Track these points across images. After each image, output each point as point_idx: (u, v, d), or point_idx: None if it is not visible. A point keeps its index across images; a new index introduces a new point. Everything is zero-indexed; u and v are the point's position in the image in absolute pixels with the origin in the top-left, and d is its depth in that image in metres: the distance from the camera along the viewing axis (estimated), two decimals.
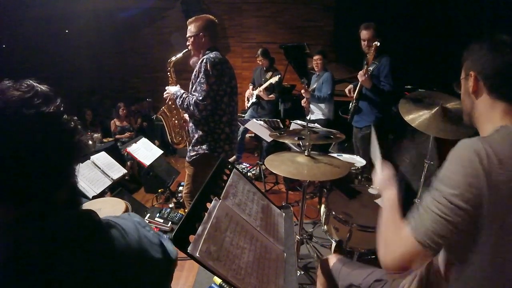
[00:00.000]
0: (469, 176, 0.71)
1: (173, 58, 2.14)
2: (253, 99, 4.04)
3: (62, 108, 0.58)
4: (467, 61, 0.88)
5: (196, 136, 2.02)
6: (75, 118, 0.62)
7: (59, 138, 0.56)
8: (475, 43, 0.86)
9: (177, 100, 1.99)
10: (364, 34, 2.52)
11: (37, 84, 0.57)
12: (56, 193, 0.57)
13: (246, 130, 3.95)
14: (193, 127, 2.04)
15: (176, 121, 2.29)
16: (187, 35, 1.99)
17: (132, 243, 0.64)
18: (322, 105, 3.54)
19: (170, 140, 2.35)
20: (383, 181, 1.07)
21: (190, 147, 2.07)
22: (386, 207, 0.93)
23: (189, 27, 1.98)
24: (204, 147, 2.00)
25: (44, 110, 0.54)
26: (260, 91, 3.89)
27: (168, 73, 2.18)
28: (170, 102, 2.17)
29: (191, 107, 1.89)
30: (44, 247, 0.52)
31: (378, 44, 2.31)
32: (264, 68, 3.99)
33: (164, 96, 2.13)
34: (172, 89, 2.07)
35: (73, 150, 0.59)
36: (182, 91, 2.02)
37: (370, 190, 1.88)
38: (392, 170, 1.11)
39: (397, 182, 1.04)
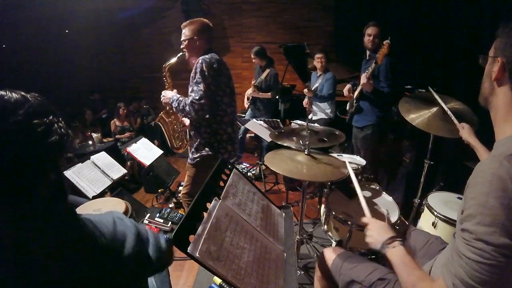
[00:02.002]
0: (506, 208, 0.62)
1: (168, 63, 2.15)
2: (250, 99, 4.04)
3: (31, 113, 0.61)
4: (499, 39, 0.76)
5: (199, 139, 2.01)
6: (51, 117, 0.65)
7: (28, 141, 0.60)
8: None
9: (174, 103, 1.97)
10: (372, 29, 2.52)
11: (8, 93, 0.62)
12: (37, 189, 0.62)
13: (247, 130, 3.94)
14: (195, 130, 2.03)
15: (175, 126, 2.29)
16: (182, 39, 1.98)
17: (104, 237, 0.69)
18: (324, 105, 3.54)
19: (170, 145, 2.34)
20: (380, 235, 0.96)
21: (193, 150, 2.05)
22: (400, 265, 0.83)
23: (183, 31, 1.96)
24: (207, 149, 2.00)
25: (9, 120, 0.58)
26: (252, 90, 3.88)
27: (164, 78, 2.18)
28: (167, 107, 2.17)
29: (187, 107, 1.87)
30: (15, 234, 0.57)
31: (389, 42, 2.29)
32: (261, 67, 3.97)
33: (161, 100, 2.12)
34: (168, 94, 2.06)
35: (45, 150, 0.63)
36: (178, 95, 2.01)
37: (365, 193, 1.88)
38: (388, 225, 0.99)
39: (400, 238, 0.92)
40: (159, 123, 2.29)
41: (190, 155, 2.08)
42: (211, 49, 1.98)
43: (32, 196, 0.61)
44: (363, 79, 2.44)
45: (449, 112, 1.71)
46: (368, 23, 2.56)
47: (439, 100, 1.81)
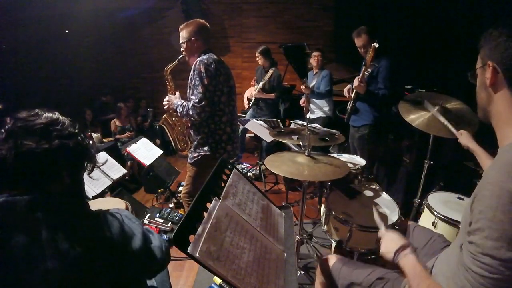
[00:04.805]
0: None
1: (169, 66, 2.16)
2: (252, 99, 4.05)
3: (61, 135, 0.73)
4: (483, 48, 0.77)
5: (198, 138, 2.02)
6: (66, 124, 0.77)
7: (51, 157, 0.71)
8: (494, 29, 0.74)
9: (178, 109, 1.99)
10: (356, 42, 2.50)
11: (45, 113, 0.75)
12: (50, 185, 0.73)
13: (246, 130, 3.95)
14: (195, 130, 2.04)
15: (179, 128, 2.29)
16: (180, 42, 2.00)
17: (113, 230, 0.74)
18: (322, 103, 3.54)
19: (174, 147, 2.34)
20: (392, 246, 0.95)
21: (192, 149, 2.07)
22: (411, 275, 0.84)
23: (181, 34, 1.99)
24: (205, 148, 2.00)
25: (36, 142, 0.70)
26: (257, 91, 3.89)
27: (166, 81, 2.19)
28: (170, 110, 2.17)
29: (190, 111, 1.89)
30: (30, 218, 0.66)
31: (377, 45, 2.28)
32: (264, 68, 3.97)
33: (164, 104, 2.13)
34: (173, 100, 2.08)
35: (62, 163, 0.73)
36: (182, 100, 2.02)
37: (366, 193, 1.88)
38: (400, 234, 1.00)
39: (411, 246, 0.93)
40: (163, 125, 2.29)
41: (190, 155, 2.09)
42: (209, 49, 1.99)
43: (43, 189, 0.72)
44: (355, 82, 2.42)
45: (446, 122, 1.71)
46: (352, 35, 2.52)
47: (437, 115, 1.80)
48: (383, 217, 1.63)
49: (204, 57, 1.89)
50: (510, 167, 0.65)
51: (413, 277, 0.83)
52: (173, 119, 2.27)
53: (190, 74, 1.91)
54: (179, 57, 2.09)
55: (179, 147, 2.33)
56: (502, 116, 0.76)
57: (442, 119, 1.75)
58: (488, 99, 0.79)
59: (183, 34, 1.97)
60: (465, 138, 1.52)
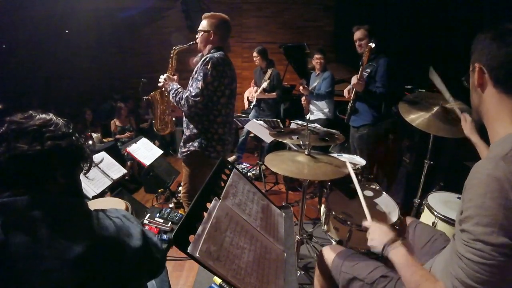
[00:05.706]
0: (503, 208, 0.63)
1: (178, 47, 2.15)
2: (254, 101, 4.05)
3: (55, 137, 0.73)
4: (474, 53, 0.82)
5: (188, 133, 2.01)
6: (72, 137, 0.77)
7: (47, 158, 0.71)
8: (481, 33, 0.80)
9: (171, 92, 1.99)
10: (355, 35, 2.54)
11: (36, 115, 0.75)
12: (45, 186, 0.73)
13: (250, 132, 3.95)
14: (187, 123, 2.03)
15: (165, 109, 2.30)
16: (198, 29, 1.99)
17: (111, 229, 0.75)
18: (323, 104, 3.54)
19: (154, 126, 2.37)
20: (381, 238, 0.98)
21: (182, 144, 2.06)
22: (403, 266, 0.85)
23: (202, 21, 1.98)
24: (195, 144, 1.99)
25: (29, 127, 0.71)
26: (259, 92, 3.90)
27: (170, 60, 2.17)
28: (163, 89, 2.16)
29: (182, 101, 1.90)
30: (26, 214, 0.66)
31: (373, 45, 2.30)
32: (262, 69, 3.97)
33: (160, 81, 2.11)
34: (169, 80, 2.06)
35: (55, 164, 0.73)
36: (178, 86, 2.02)
37: (366, 193, 1.88)
38: (388, 226, 1.02)
39: (398, 234, 0.95)
40: (150, 98, 2.29)
41: (179, 149, 2.08)
42: (222, 48, 1.98)
43: (43, 188, 0.72)
44: (354, 79, 2.45)
45: (450, 99, 1.64)
46: (353, 29, 2.57)
47: (441, 87, 1.72)
48: (383, 216, 1.63)
49: (216, 55, 1.88)
50: (498, 159, 0.67)
51: (406, 268, 0.84)
52: (163, 98, 2.27)
53: (196, 67, 1.91)
54: (191, 42, 2.08)
55: (158, 127, 2.35)
56: (491, 113, 0.79)
57: (448, 95, 1.67)
58: (479, 100, 0.82)
59: (204, 23, 1.97)
60: (468, 128, 1.49)
